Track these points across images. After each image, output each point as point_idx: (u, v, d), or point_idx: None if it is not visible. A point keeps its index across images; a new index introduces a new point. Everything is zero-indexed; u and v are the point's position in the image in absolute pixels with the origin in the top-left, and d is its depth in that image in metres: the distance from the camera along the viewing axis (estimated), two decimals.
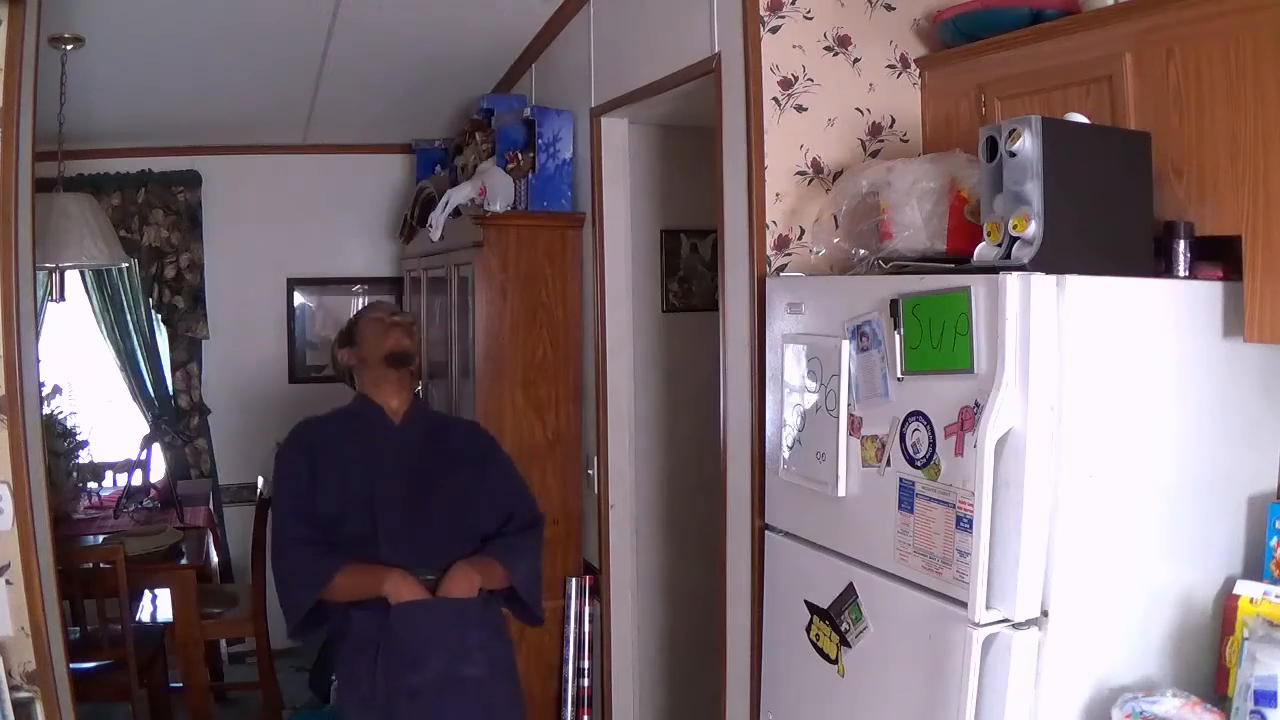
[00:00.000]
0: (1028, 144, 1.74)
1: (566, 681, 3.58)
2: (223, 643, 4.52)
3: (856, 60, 2.53)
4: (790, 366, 2.26)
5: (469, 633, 2.34)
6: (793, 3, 2.45)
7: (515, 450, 3.07)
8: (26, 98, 2.20)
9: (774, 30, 2.44)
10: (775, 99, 2.45)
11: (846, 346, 2.07)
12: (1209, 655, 1.84)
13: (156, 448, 4.77)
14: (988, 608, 1.70)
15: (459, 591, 2.32)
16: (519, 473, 2.69)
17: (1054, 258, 1.72)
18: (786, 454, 2.29)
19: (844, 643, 2.08)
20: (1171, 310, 1.80)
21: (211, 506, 4.57)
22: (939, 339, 1.82)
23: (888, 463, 1.96)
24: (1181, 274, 1.84)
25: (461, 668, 2.32)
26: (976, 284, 1.75)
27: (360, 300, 5.12)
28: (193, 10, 3.25)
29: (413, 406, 2.57)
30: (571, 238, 3.56)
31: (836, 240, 2.29)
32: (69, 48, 3.26)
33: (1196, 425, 1.83)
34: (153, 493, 4.26)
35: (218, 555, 4.45)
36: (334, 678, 3.95)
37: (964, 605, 1.72)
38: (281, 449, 2.53)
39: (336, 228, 5.01)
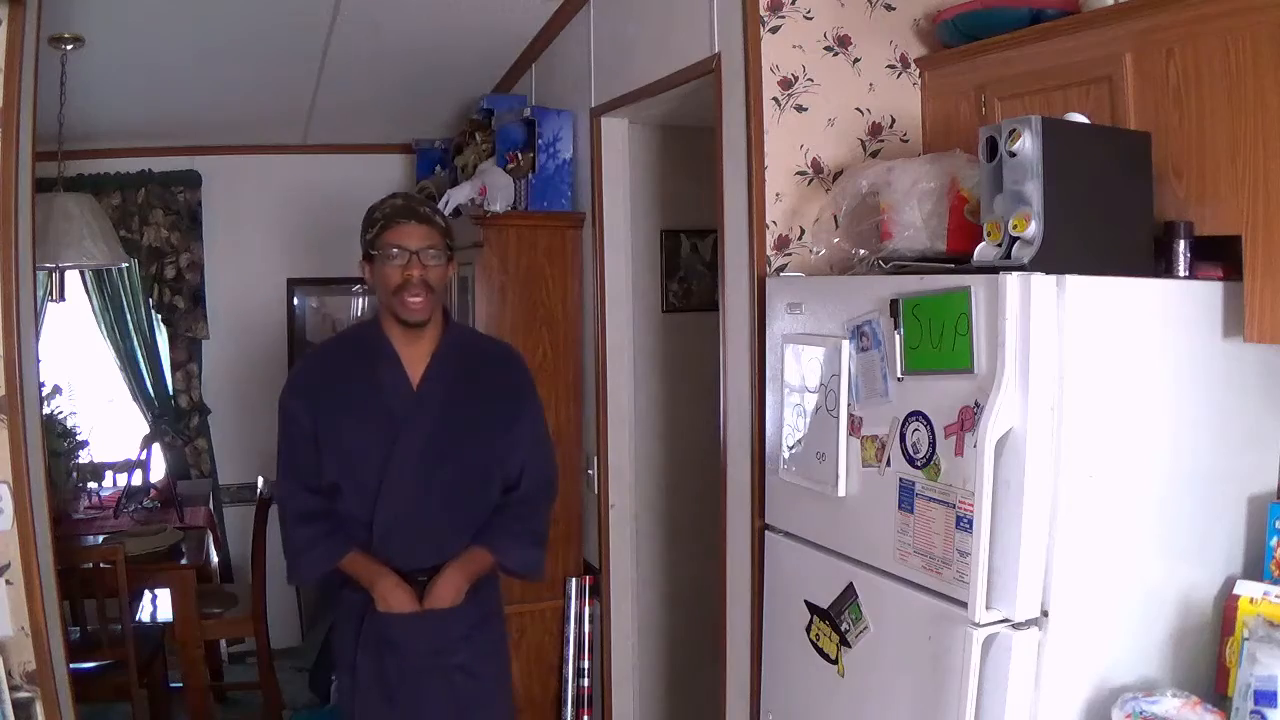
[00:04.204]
0: (1028, 144, 1.74)
1: (566, 681, 3.58)
2: (223, 643, 4.52)
3: (856, 60, 2.53)
4: (790, 366, 2.26)
5: (453, 630, 2.29)
6: (793, 3, 2.45)
7: None
8: (26, 98, 2.20)
9: (774, 30, 2.44)
10: (775, 99, 2.45)
11: (846, 346, 2.07)
12: (1209, 655, 1.84)
13: (156, 448, 4.77)
14: (988, 608, 1.70)
15: (446, 603, 2.26)
16: (545, 426, 2.49)
17: (1054, 258, 1.73)
18: (786, 454, 2.29)
19: (844, 643, 2.08)
20: (1172, 310, 1.80)
21: (211, 506, 4.58)
22: (939, 339, 1.82)
23: (888, 463, 1.96)
24: (1181, 274, 1.84)
25: (444, 658, 2.30)
26: (976, 284, 1.75)
27: (360, 301, 5.13)
28: (193, 10, 3.25)
29: (438, 350, 2.30)
30: (571, 238, 3.56)
31: (836, 240, 2.29)
32: (69, 48, 3.26)
33: (1196, 425, 1.83)
34: (153, 493, 4.26)
35: (218, 555, 4.45)
36: (333, 677, 3.96)
37: (964, 605, 1.72)
38: (283, 397, 2.32)
39: (336, 228, 4.97)
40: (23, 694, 2.14)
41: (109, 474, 4.52)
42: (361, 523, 2.27)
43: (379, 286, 2.27)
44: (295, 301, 5.02)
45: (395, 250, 2.21)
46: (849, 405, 2.07)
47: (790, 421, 2.27)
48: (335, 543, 2.28)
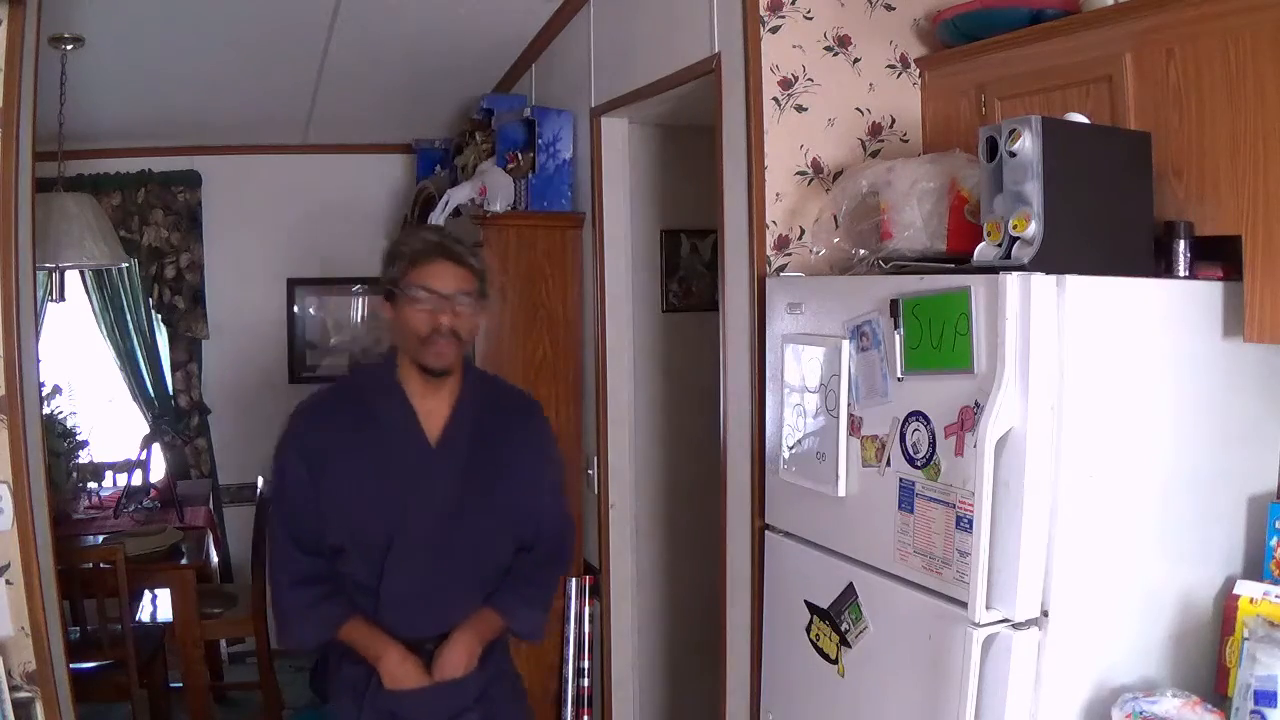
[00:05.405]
0: (1028, 144, 1.74)
1: (566, 681, 3.58)
2: (223, 643, 4.52)
3: (856, 60, 2.53)
4: (790, 366, 2.26)
5: (465, 698, 2.09)
6: (793, 3, 2.45)
7: None
8: (26, 98, 2.20)
9: (774, 30, 2.44)
10: (775, 99, 2.45)
11: (846, 346, 2.07)
12: (1209, 655, 1.84)
13: (156, 448, 4.77)
14: (988, 608, 1.70)
15: (459, 672, 2.05)
16: (563, 484, 2.32)
17: (1054, 258, 1.73)
18: (786, 454, 2.29)
19: (844, 643, 2.08)
20: (1171, 310, 1.81)
21: (211, 506, 4.58)
22: (939, 339, 1.82)
23: (888, 463, 1.96)
24: (1181, 274, 1.84)
25: None
26: (976, 284, 1.75)
27: (361, 301, 5.12)
28: (193, 10, 3.25)
29: (458, 403, 2.08)
30: (571, 238, 3.56)
31: (836, 240, 2.29)
32: (69, 48, 3.26)
33: (1196, 425, 1.84)
34: (153, 493, 4.26)
35: (218, 555, 4.45)
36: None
37: (964, 605, 1.72)
38: (281, 450, 2.10)
39: (336, 228, 5.01)
40: (23, 694, 2.14)
41: (109, 474, 4.51)
42: (366, 589, 2.04)
43: (401, 330, 2.01)
44: (295, 301, 5.02)
45: (424, 293, 1.96)
46: (849, 405, 2.07)
47: (790, 421, 2.27)
48: (334, 608, 2.05)
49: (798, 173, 2.49)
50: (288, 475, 2.07)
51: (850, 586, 2.06)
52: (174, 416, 4.81)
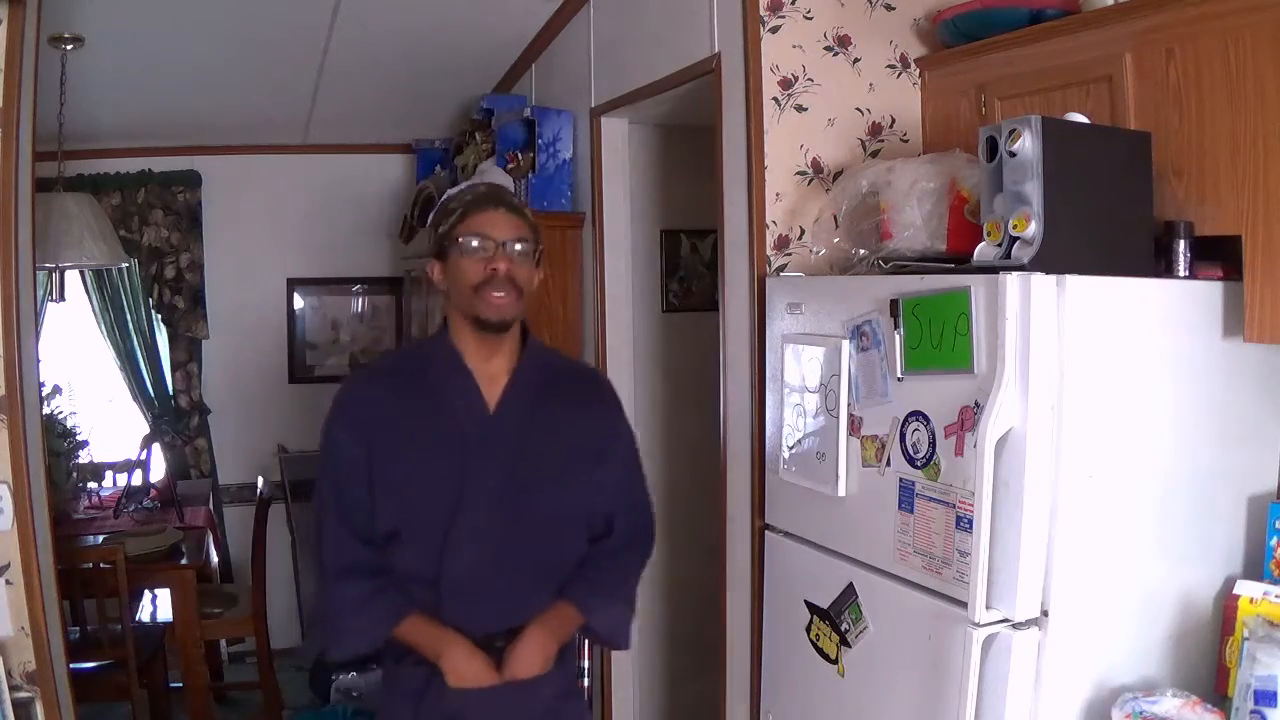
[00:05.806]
0: (1028, 144, 1.74)
1: None
2: (223, 643, 4.52)
3: (856, 60, 2.53)
4: (790, 366, 2.26)
5: (536, 703, 1.90)
6: (793, 3, 2.46)
7: None
8: (26, 98, 2.20)
9: (774, 30, 2.44)
10: (775, 99, 2.45)
11: (846, 346, 2.07)
12: (1209, 655, 1.84)
13: (156, 448, 4.77)
14: (988, 608, 1.70)
15: (533, 671, 1.86)
16: (639, 465, 2.10)
17: (1054, 258, 1.73)
18: (786, 454, 2.29)
19: (844, 643, 2.08)
20: (1171, 310, 1.80)
21: (211, 506, 4.58)
22: (939, 339, 1.82)
23: (888, 463, 1.97)
24: (1181, 274, 1.84)
25: None
26: (976, 284, 1.75)
27: (361, 301, 5.12)
28: (193, 10, 3.25)
29: (518, 368, 1.93)
30: (571, 238, 3.56)
31: (836, 240, 2.29)
32: (69, 48, 3.26)
33: (1196, 425, 1.84)
34: (153, 493, 4.26)
35: (218, 555, 4.44)
36: (334, 677, 3.96)
37: (964, 605, 1.72)
38: (330, 424, 1.93)
39: (336, 228, 5.02)
40: (23, 694, 2.14)
41: (109, 474, 4.51)
42: (424, 580, 1.86)
43: (454, 286, 1.89)
44: (295, 301, 5.02)
45: (477, 241, 1.86)
46: (849, 405, 2.07)
47: (790, 421, 2.27)
48: (389, 602, 1.86)
49: (798, 173, 2.49)
50: (337, 453, 1.91)
51: (850, 586, 2.06)
52: (174, 416, 4.81)
